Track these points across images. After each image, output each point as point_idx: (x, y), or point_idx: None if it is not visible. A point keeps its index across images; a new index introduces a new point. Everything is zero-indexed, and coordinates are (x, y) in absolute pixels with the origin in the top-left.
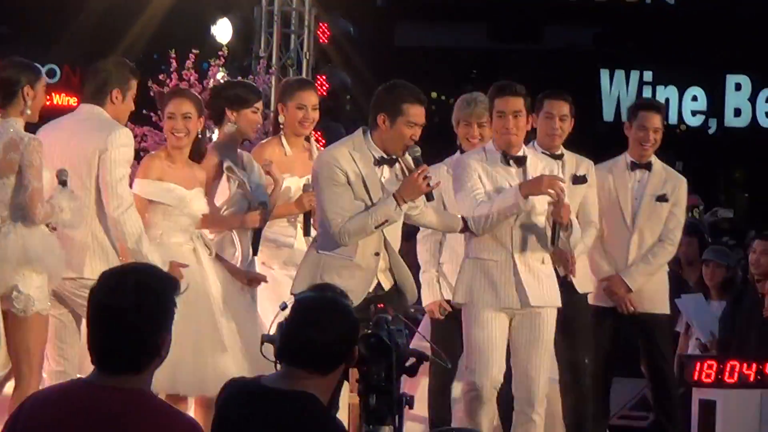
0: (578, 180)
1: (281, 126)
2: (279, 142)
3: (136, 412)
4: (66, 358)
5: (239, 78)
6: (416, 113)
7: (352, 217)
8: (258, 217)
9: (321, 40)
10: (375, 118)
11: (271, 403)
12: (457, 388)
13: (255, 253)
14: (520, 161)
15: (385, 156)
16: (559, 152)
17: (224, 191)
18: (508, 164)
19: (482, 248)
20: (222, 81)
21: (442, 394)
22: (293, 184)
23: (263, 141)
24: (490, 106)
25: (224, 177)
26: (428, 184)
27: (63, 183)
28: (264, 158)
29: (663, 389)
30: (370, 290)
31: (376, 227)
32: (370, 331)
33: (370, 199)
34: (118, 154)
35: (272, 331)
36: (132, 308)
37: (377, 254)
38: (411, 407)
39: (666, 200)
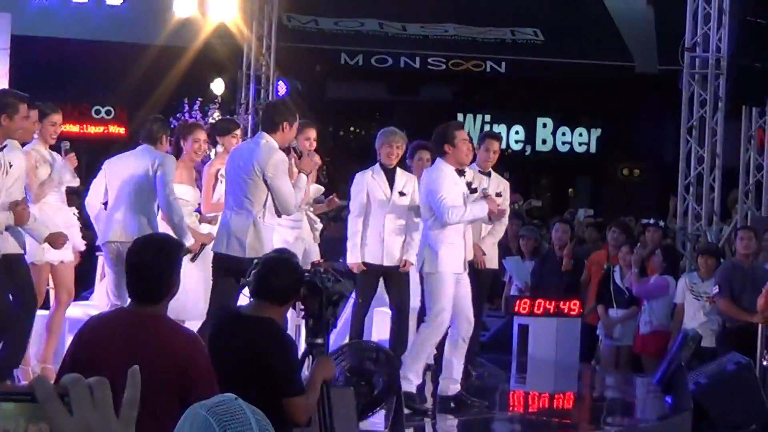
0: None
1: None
2: None
3: (155, 327)
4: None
5: (227, 116)
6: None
7: None
8: None
9: (279, 93)
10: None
11: (245, 323)
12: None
13: None
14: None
15: None
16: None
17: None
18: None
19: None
20: (216, 119)
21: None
22: None
23: None
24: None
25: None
26: None
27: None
28: None
29: None
30: None
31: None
32: (308, 279)
33: None
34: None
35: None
36: (151, 263)
37: None
38: (335, 327)
39: (500, 195)
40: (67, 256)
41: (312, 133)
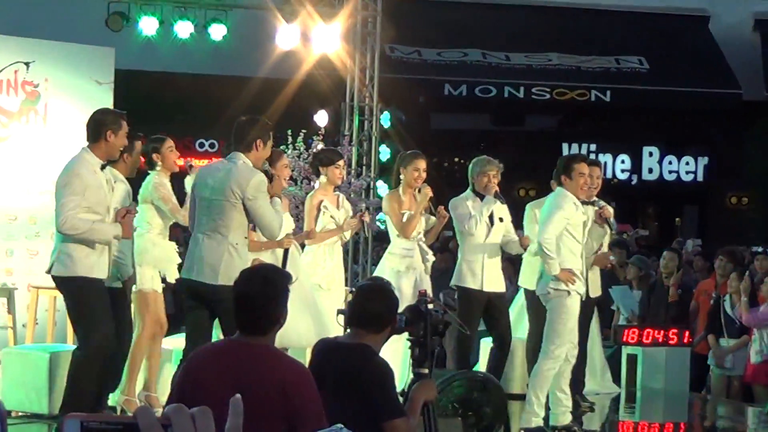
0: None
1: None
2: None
3: (263, 357)
4: None
5: (330, 147)
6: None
7: None
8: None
9: (383, 124)
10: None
11: (343, 351)
12: None
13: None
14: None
15: None
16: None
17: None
18: None
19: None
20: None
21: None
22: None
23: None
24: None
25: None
26: None
27: None
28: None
29: None
30: None
31: None
32: (413, 305)
33: None
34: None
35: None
36: (259, 294)
37: None
38: (442, 356)
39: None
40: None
41: (422, 164)
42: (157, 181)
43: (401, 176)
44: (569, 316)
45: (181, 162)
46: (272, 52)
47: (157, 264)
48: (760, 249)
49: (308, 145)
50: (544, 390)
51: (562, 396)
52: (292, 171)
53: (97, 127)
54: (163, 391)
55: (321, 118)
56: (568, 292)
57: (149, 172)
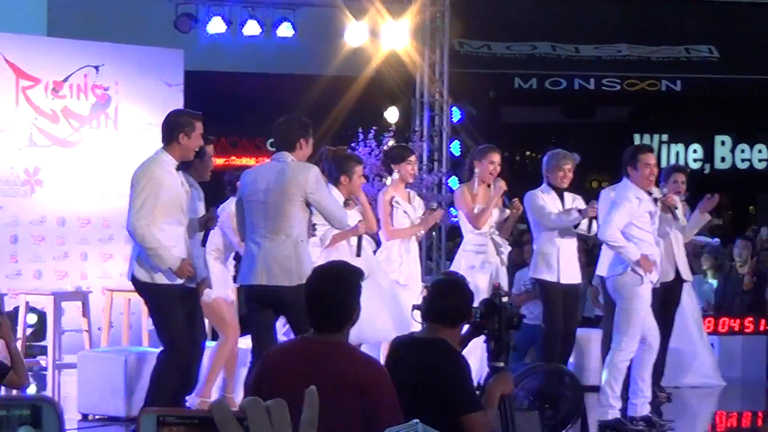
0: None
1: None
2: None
3: (337, 354)
4: None
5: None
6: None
7: None
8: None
9: (454, 119)
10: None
11: (419, 346)
12: None
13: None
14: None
15: None
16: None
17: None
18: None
19: None
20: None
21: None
22: None
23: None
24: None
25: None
26: None
27: None
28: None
29: None
30: None
31: None
32: (488, 298)
33: None
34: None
35: (419, 302)
36: (331, 291)
37: None
38: (516, 349)
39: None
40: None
41: (496, 158)
42: (234, 209)
43: (475, 170)
44: (641, 304)
45: (252, 162)
46: (340, 50)
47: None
48: None
49: (379, 141)
50: (619, 381)
51: (642, 385)
52: (364, 168)
53: (171, 128)
54: (237, 392)
55: (391, 114)
56: (641, 280)
57: None
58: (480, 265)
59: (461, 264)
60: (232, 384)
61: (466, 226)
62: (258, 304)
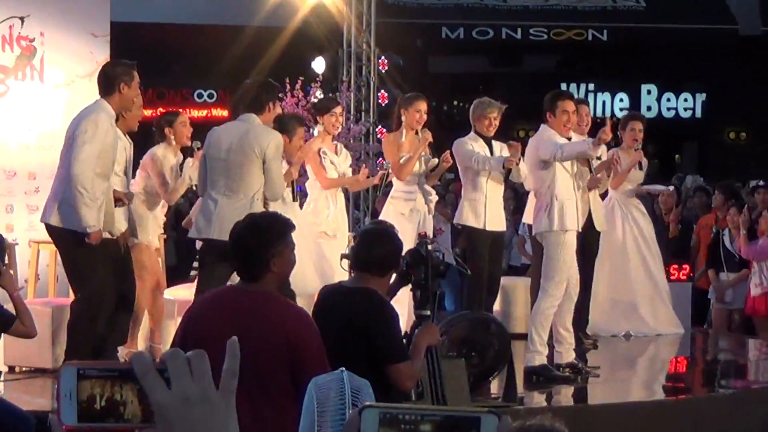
0: None
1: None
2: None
3: (264, 304)
4: None
5: (327, 95)
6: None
7: None
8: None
9: (381, 68)
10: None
11: (347, 295)
12: None
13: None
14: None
15: None
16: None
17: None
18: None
19: None
20: (318, 97)
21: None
22: None
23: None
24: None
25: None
26: None
27: None
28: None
29: None
30: None
31: None
32: (414, 248)
33: None
34: None
35: (347, 251)
36: (246, 240)
37: None
38: (443, 298)
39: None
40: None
41: (423, 106)
42: (160, 154)
43: (402, 118)
44: (567, 251)
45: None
46: (267, 0)
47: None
48: (761, 183)
49: (306, 92)
50: (546, 328)
51: (565, 333)
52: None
53: (110, 79)
54: (166, 343)
55: (318, 65)
56: (564, 229)
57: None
58: (409, 213)
59: (390, 211)
60: (158, 334)
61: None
62: (213, 257)
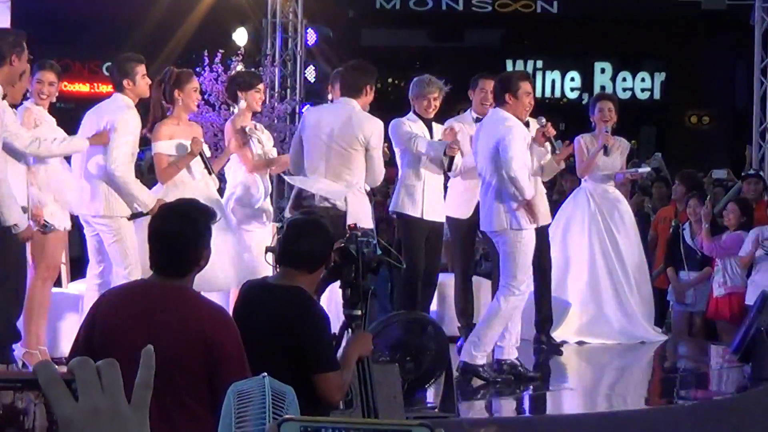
0: None
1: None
2: None
3: (180, 300)
4: None
5: (249, 69)
6: None
7: None
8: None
9: (309, 42)
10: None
11: (272, 293)
12: None
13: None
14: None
15: None
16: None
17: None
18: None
19: None
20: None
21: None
22: None
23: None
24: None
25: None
26: None
27: None
28: None
29: None
30: None
31: None
32: (342, 245)
33: None
34: None
35: (273, 244)
36: (176, 232)
37: None
38: (375, 296)
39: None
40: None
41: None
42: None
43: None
44: (527, 245)
45: (86, 88)
46: None
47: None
48: (751, 172)
49: (227, 66)
50: (500, 329)
51: (511, 328)
52: (209, 95)
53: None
54: (68, 341)
55: (240, 36)
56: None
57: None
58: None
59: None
60: (35, 336)
61: None
62: None
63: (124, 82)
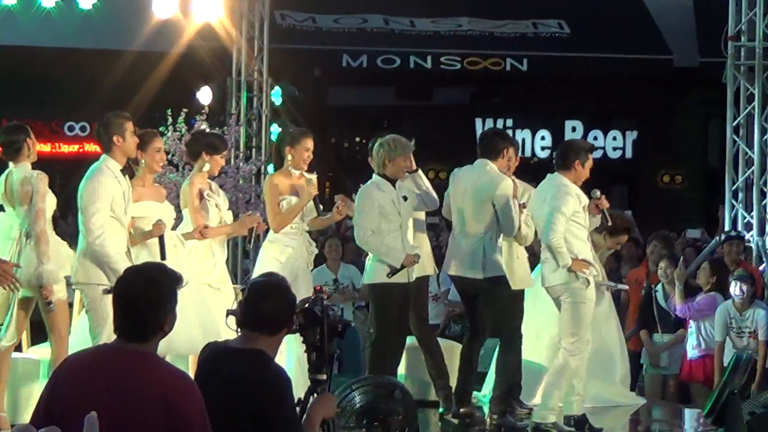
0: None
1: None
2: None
3: (143, 367)
4: None
5: (216, 130)
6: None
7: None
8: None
9: (275, 102)
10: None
11: (234, 357)
12: None
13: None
14: None
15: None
16: None
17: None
18: None
19: None
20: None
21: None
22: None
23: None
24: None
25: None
26: None
27: None
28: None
29: None
30: None
31: None
32: (307, 306)
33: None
34: None
35: (234, 307)
36: (142, 297)
37: None
38: (341, 362)
39: (524, 207)
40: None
41: (310, 143)
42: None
43: (288, 157)
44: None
45: (47, 148)
46: (148, 22)
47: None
48: (733, 233)
49: (190, 125)
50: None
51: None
52: (172, 156)
53: None
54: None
55: (204, 95)
56: (588, 281)
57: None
58: (285, 260)
59: (264, 257)
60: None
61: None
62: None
63: (115, 138)
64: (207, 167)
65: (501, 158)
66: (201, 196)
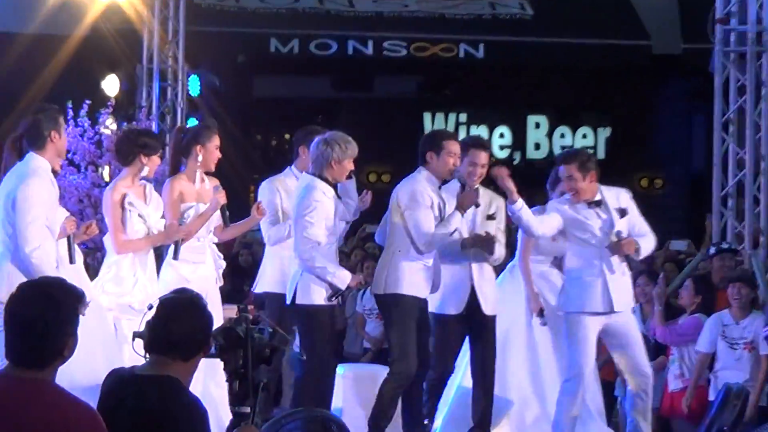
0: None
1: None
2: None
3: (40, 398)
4: None
5: (126, 124)
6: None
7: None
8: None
9: (191, 92)
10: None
11: (141, 386)
12: None
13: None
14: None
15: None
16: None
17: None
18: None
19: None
20: (109, 126)
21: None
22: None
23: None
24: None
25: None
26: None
27: None
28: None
29: None
30: None
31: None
32: (228, 326)
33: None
34: None
35: (141, 329)
36: (39, 317)
37: None
38: (269, 391)
39: (494, 218)
40: None
41: (216, 141)
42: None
43: (198, 157)
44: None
45: None
46: (46, 1)
47: None
48: (723, 245)
49: (95, 120)
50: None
51: None
52: (73, 154)
53: None
54: None
55: (110, 84)
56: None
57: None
58: (196, 278)
59: (168, 274)
60: None
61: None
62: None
63: (53, 134)
64: (146, 171)
65: (433, 160)
66: (122, 205)
